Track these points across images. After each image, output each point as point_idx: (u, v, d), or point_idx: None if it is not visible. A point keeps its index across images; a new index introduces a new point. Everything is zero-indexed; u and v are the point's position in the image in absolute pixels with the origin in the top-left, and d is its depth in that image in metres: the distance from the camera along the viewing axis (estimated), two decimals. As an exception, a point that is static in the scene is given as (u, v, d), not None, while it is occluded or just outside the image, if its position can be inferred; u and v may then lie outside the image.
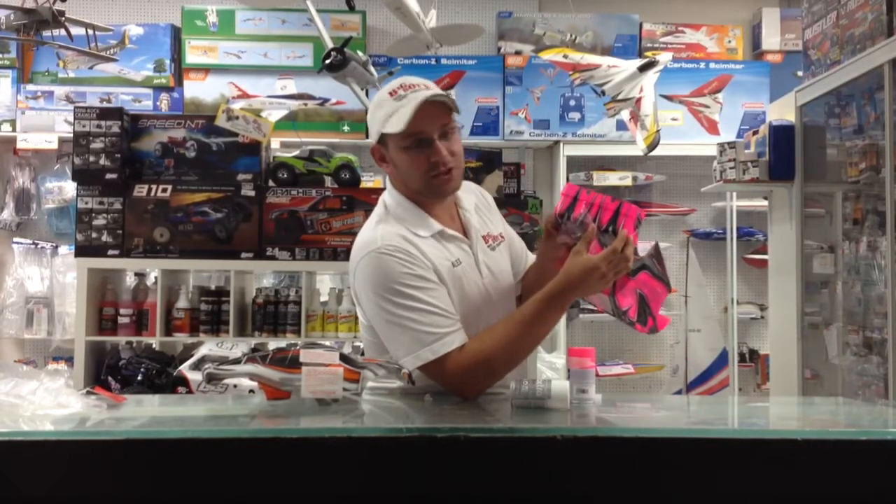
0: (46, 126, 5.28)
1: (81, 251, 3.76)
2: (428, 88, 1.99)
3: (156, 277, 3.92)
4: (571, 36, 5.64)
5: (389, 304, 1.93)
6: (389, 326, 1.95)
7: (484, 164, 3.96)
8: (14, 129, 5.29)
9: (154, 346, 3.88)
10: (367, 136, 5.36)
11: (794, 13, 5.58)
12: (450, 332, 1.92)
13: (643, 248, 1.92)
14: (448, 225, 2.07)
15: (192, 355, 3.51)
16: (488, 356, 1.92)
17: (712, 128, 5.06)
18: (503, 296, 2.11)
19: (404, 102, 1.95)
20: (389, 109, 1.97)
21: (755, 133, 4.46)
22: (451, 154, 1.99)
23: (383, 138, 2.01)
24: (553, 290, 1.92)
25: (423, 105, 1.93)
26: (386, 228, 2.01)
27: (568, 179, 5.49)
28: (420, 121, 1.93)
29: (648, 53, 4.92)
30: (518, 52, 5.59)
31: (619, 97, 4.64)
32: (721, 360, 5.49)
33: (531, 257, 2.28)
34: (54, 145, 5.27)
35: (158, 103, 5.39)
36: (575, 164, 5.56)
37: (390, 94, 1.99)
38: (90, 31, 4.20)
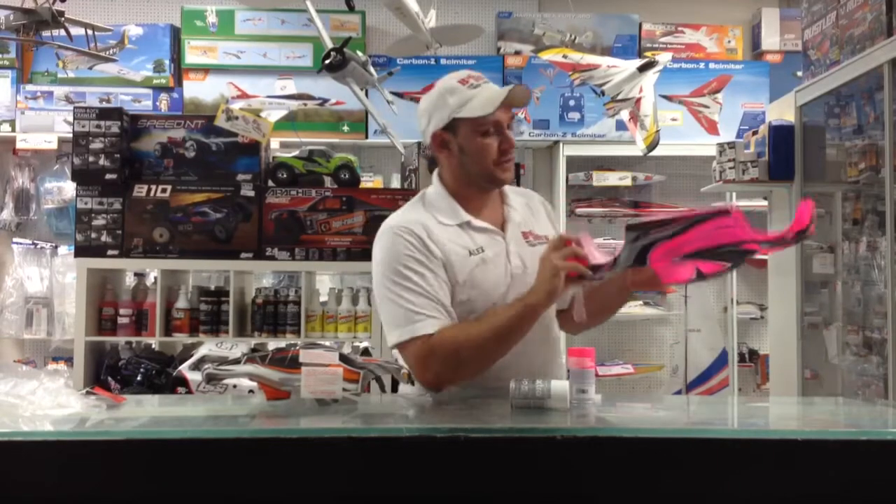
0: (46, 126, 5.27)
1: (81, 251, 3.76)
2: (490, 81, 2.12)
3: (155, 277, 3.92)
4: (571, 36, 5.63)
5: (388, 282, 2.02)
6: (383, 302, 2.04)
7: (484, 164, 3.96)
8: (13, 130, 5.28)
9: (154, 346, 3.88)
10: (366, 137, 5.41)
11: (793, 13, 5.58)
12: (429, 316, 1.97)
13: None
14: (486, 217, 2.14)
15: (191, 355, 3.51)
16: (457, 347, 1.95)
17: (712, 128, 5.06)
18: None
19: (481, 91, 2.06)
20: (466, 96, 2.06)
21: (755, 133, 4.46)
22: (513, 145, 2.12)
23: (452, 124, 2.08)
24: (517, 299, 1.98)
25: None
26: (410, 214, 2.12)
27: (567, 179, 5.49)
28: (499, 109, 2.05)
29: (648, 53, 4.92)
30: (518, 53, 5.58)
31: (619, 97, 4.64)
32: (721, 360, 5.48)
33: None
34: (54, 145, 5.26)
35: (158, 103, 5.39)
36: (574, 164, 5.55)
37: (460, 82, 2.09)
38: (90, 32, 4.20)
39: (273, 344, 3.64)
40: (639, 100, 4.59)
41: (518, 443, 1.53)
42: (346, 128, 5.42)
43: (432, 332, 1.96)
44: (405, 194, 3.83)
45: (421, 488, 1.50)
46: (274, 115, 5.00)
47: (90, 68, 5.19)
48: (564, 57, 4.76)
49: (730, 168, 4.35)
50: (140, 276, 3.99)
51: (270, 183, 3.88)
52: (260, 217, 3.77)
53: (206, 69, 5.42)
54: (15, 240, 5.32)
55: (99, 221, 3.75)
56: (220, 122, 3.74)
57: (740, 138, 4.82)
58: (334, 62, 4.06)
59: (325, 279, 4.72)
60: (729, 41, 5.76)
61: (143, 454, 1.48)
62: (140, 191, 3.76)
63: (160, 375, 3.61)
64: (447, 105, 2.07)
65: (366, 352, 3.17)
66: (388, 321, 2.04)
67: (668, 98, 5.40)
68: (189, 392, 3.22)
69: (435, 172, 2.21)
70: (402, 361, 2.11)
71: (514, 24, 5.67)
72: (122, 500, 1.48)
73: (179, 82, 5.45)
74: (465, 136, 2.08)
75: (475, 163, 2.09)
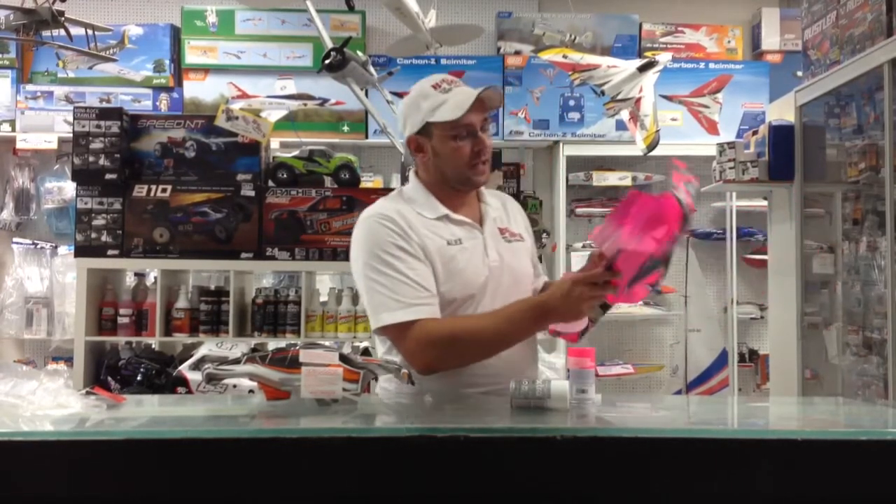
0: (46, 126, 5.27)
1: (81, 251, 3.76)
2: (465, 85, 2.12)
3: (155, 277, 3.92)
4: (571, 36, 5.63)
5: (369, 269, 2.04)
6: (365, 289, 2.06)
7: (484, 164, 3.96)
8: (14, 130, 5.28)
9: (154, 346, 3.88)
10: (366, 137, 5.41)
11: (793, 13, 5.58)
12: (416, 304, 1.99)
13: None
14: (463, 213, 2.16)
15: (191, 355, 3.51)
16: (456, 335, 1.99)
17: (712, 128, 5.05)
18: (513, 287, 2.15)
19: (453, 94, 2.07)
20: (438, 100, 2.08)
21: (755, 133, 4.46)
22: (487, 147, 2.12)
23: (426, 128, 2.10)
24: (534, 301, 2.03)
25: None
26: (388, 204, 2.14)
27: (567, 179, 5.49)
28: (470, 112, 2.06)
29: (648, 53, 4.92)
30: (517, 53, 5.58)
31: (619, 97, 4.64)
32: (721, 360, 5.48)
33: (543, 278, 2.33)
34: (54, 145, 5.26)
35: (158, 103, 5.39)
36: (574, 164, 5.55)
37: (433, 87, 2.10)
38: (90, 32, 4.20)
39: (273, 344, 3.65)
40: (639, 100, 4.59)
41: (518, 443, 1.53)
42: (346, 128, 5.42)
43: (424, 316, 1.98)
44: (405, 194, 3.83)
45: (421, 488, 1.50)
46: (274, 115, 4.99)
47: (90, 68, 5.18)
48: (564, 57, 4.76)
49: (730, 168, 4.35)
50: (140, 276, 4.00)
51: (270, 183, 3.89)
52: (260, 217, 3.77)
53: (206, 69, 5.42)
54: (15, 240, 5.32)
55: (99, 221, 3.75)
56: (220, 122, 3.74)
57: (740, 138, 4.82)
58: (334, 62, 4.06)
59: (325, 279, 4.72)
60: (729, 41, 5.76)
61: (143, 454, 1.48)
62: (140, 191, 3.76)
63: (160, 375, 3.61)
64: (420, 110, 2.10)
65: (366, 352, 3.17)
66: (374, 307, 2.04)
67: (668, 98, 5.40)
68: (189, 392, 3.22)
69: (412, 171, 2.25)
70: (378, 345, 2.16)
71: (514, 24, 5.67)
72: (123, 500, 1.48)
73: (179, 82, 5.45)
74: (439, 139, 2.11)
75: (449, 165, 2.12)
